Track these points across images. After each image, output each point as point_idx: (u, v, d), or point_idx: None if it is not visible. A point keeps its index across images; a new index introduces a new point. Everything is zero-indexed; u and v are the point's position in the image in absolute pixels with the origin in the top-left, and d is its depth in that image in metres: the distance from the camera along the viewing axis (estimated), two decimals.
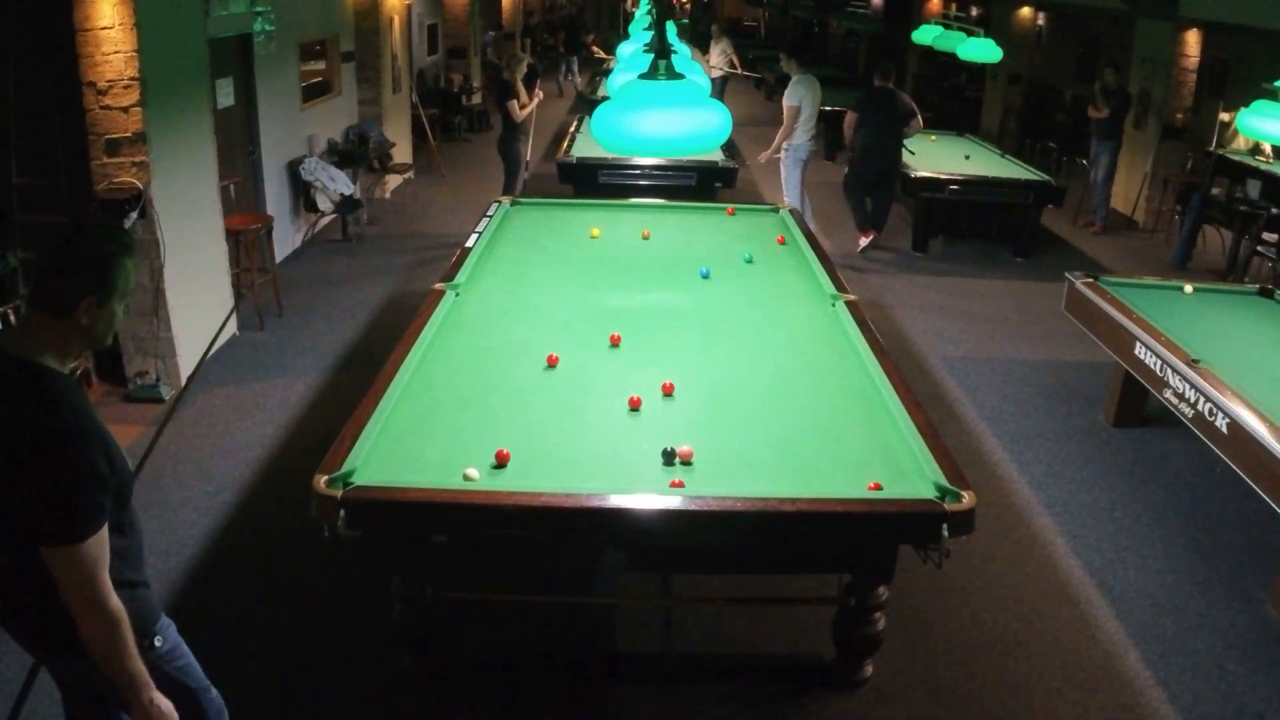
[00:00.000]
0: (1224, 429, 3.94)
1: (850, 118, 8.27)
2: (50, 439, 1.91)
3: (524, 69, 8.47)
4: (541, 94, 9.07)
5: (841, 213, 9.12)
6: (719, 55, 13.68)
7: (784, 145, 8.24)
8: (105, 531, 1.97)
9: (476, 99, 14.03)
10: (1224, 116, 9.24)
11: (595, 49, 17.45)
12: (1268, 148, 8.35)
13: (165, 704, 2.10)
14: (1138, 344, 4.74)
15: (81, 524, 1.92)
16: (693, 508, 2.73)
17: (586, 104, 11.95)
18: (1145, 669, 3.55)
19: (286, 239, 7.84)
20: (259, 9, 6.71)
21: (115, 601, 1.98)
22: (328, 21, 8.61)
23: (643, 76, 3.12)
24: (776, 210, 6.18)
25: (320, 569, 3.88)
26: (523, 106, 8.22)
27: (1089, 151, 9.73)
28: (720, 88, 14.55)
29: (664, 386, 3.50)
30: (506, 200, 6.05)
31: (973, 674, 3.49)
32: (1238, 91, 9.69)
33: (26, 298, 2.01)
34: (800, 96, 8.09)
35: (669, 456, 3.02)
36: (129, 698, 2.05)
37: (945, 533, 2.72)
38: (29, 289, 2.03)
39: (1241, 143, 8.73)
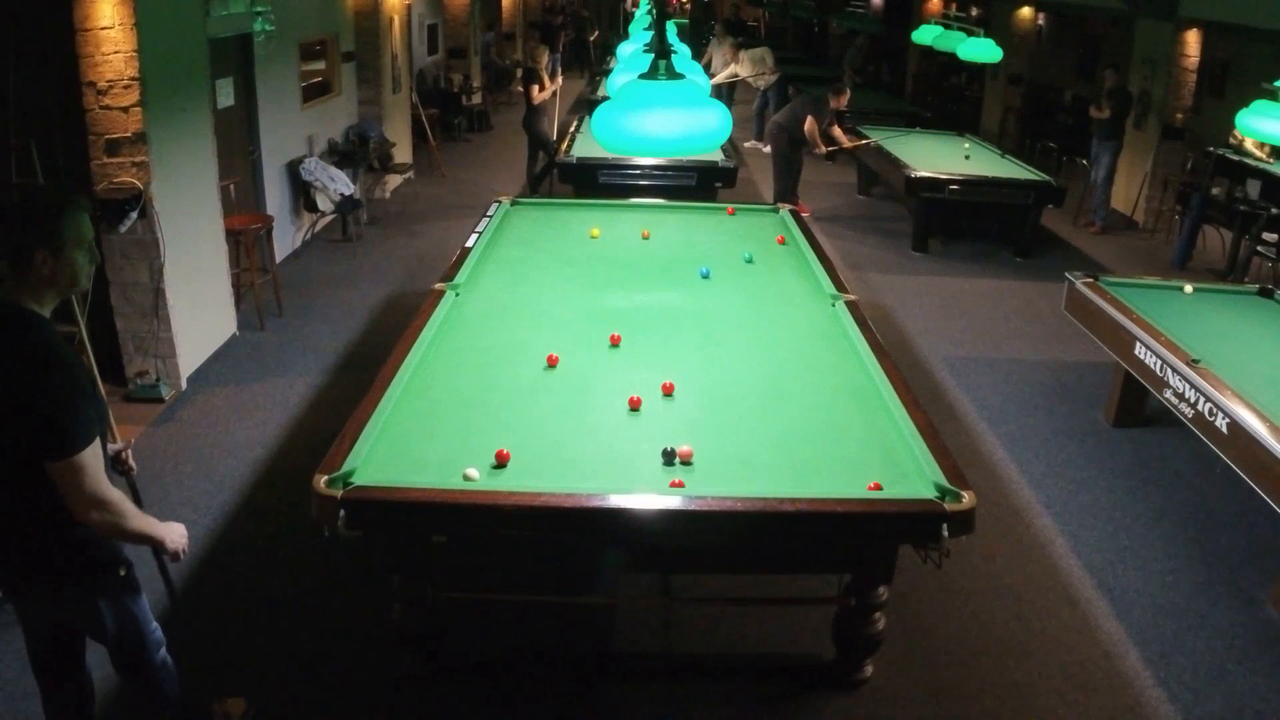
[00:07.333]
0: (1224, 429, 3.94)
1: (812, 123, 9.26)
2: (42, 367, 2.19)
3: (546, 58, 9.70)
4: (560, 81, 10.07)
5: (839, 210, 9.10)
6: (720, 59, 13.60)
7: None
8: (97, 442, 2.26)
9: (476, 99, 14.02)
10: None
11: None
12: (1250, 143, 8.36)
13: (176, 526, 2.52)
14: (1138, 344, 4.74)
15: (80, 436, 2.20)
16: (693, 508, 2.73)
17: (586, 104, 11.99)
18: (1145, 669, 3.55)
19: (286, 239, 7.84)
20: (259, 9, 6.71)
21: (114, 492, 2.29)
22: (328, 21, 8.61)
23: (643, 76, 3.12)
24: (776, 210, 6.18)
25: (320, 569, 3.88)
26: (542, 90, 9.20)
27: (1089, 151, 9.73)
28: (728, 92, 14.55)
29: (664, 386, 3.51)
30: (506, 200, 6.05)
31: (973, 674, 3.49)
32: (1238, 91, 9.69)
33: None
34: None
35: (669, 456, 3.02)
36: (155, 545, 2.48)
37: (945, 533, 2.72)
38: None
39: (1251, 144, 8.68)
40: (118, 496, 2.31)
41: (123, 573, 2.50)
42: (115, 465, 2.72)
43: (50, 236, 2.23)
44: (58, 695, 2.72)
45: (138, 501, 2.75)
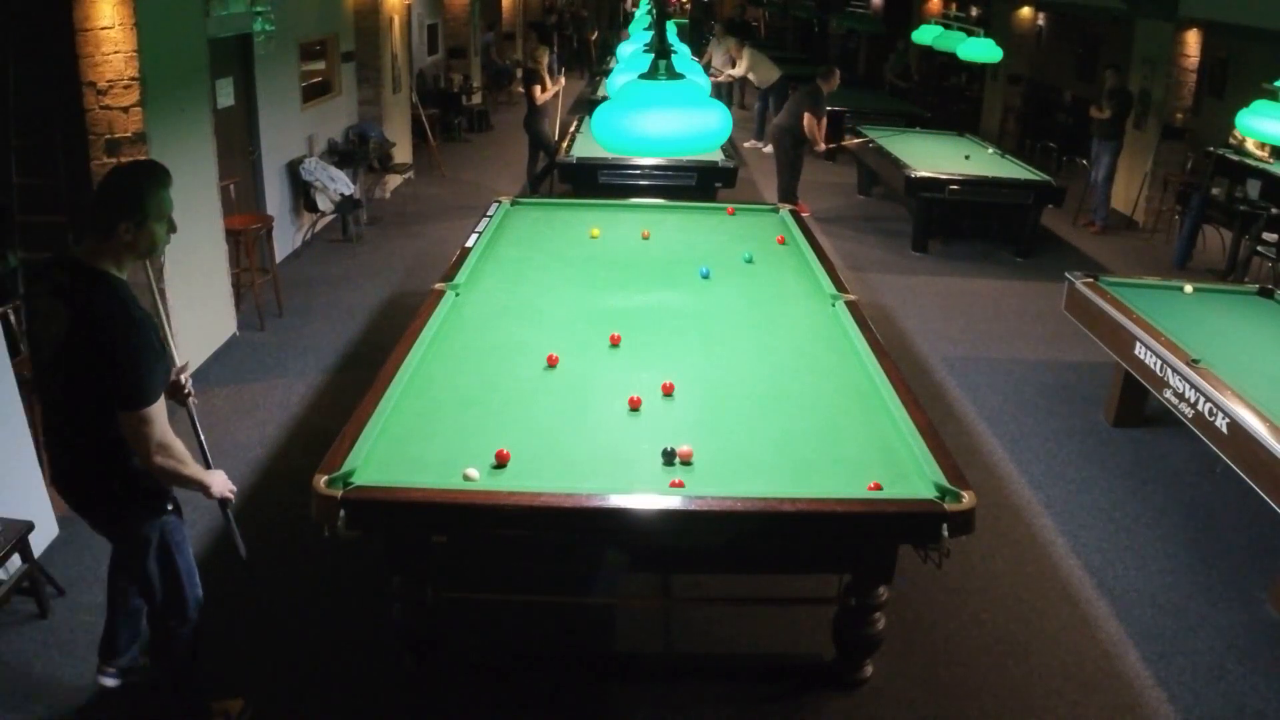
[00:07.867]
0: (1224, 429, 3.94)
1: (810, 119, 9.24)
2: (121, 328, 2.43)
3: (547, 58, 9.77)
4: (563, 81, 10.02)
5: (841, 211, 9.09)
6: (721, 57, 13.59)
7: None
8: (163, 398, 2.54)
9: (476, 99, 14.02)
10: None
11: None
12: (1250, 143, 8.36)
13: (219, 473, 2.80)
14: (1138, 344, 4.74)
15: (153, 392, 2.48)
16: (693, 508, 2.73)
17: (586, 104, 12.01)
18: (1145, 669, 3.55)
19: (286, 239, 7.84)
20: (259, 9, 6.71)
21: (177, 440, 2.58)
22: (328, 21, 8.61)
23: (643, 76, 3.12)
24: (776, 210, 6.18)
25: (320, 569, 3.88)
26: (544, 90, 9.23)
27: (1089, 152, 9.73)
28: (728, 91, 14.54)
29: (664, 386, 3.51)
30: (506, 200, 6.05)
31: (973, 674, 3.49)
32: (1238, 91, 9.69)
33: (86, 223, 2.61)
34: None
35: (669, 456, 3.02)
36: (205, 491, 2.74)
37: (945, 533, 2.72)
38: (87, 217, 2.54)
39: (1251, 144, 8.67)
40: (180, 445, 2.58)
41: (170, 507, 2.73)
42: (174, 394, 2.88)
43: (134, 209, 2.47)
44: (119, 597, 3.00)
45: (196, 430, 2.99)
